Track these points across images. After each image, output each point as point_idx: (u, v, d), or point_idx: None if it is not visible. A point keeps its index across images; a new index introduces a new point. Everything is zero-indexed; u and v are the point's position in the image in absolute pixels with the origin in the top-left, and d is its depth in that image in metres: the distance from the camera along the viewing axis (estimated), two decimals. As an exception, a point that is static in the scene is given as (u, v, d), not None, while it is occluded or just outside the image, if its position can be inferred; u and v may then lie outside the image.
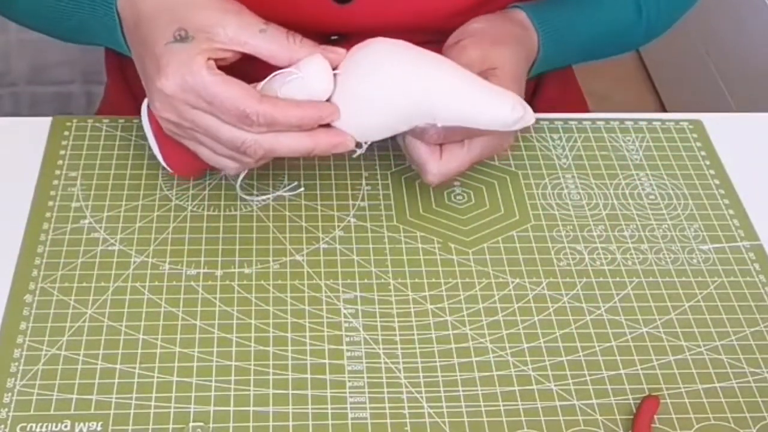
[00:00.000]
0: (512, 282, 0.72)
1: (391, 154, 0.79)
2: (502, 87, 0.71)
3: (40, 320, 0.67)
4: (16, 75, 1.33)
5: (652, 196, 0.79)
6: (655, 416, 0.64)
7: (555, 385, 0.65)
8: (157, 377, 0.64)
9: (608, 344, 0.68)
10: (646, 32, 0.87)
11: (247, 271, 0.71)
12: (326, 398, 0.64)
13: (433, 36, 0.79)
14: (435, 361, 0.66)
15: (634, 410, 0.64)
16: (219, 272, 0.71)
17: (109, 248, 0.72)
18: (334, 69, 0.68)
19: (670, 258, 0.74)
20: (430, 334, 0.68)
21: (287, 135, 0.67)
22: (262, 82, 0.67)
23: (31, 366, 0.64)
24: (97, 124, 0.81)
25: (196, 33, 0.66)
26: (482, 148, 0.72)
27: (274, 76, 0.67)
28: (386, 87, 0.67)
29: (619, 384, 0.66)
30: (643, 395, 0.65)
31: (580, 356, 0.67)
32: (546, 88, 0.94)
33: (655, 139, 0.84)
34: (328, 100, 0.68)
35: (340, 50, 0.68)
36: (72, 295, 0.68)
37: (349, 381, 0.65)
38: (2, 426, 0.61)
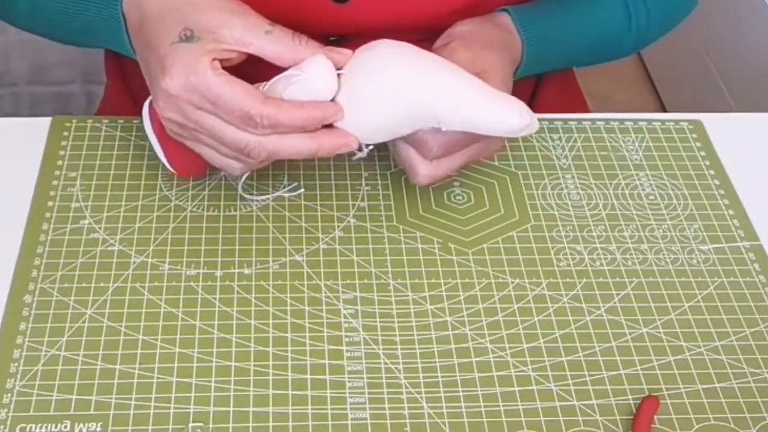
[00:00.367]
0: (512, 282, 0.72)
1: (390, 155, 0.79)
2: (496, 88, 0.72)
3: (39, 321, 0.67)
4: (16, 75, 1.33)
5: (651, 197, 0.79)
6: (655, 416, 0.64)
7: (555, 386, 0.65)
8: (157, 378, 0.64)
9: (608, 344, 0.68)
10: (635, 42, 0.87)
11: (246, 271, 0.71)
12: (326, 399, 0.64)
13: (430, 35, 0.79)
14: (435, 362, 0.66)
15: (634, 410, 0.64)
16: (219, 272, 0.71)
17: (109, 248, 0.72)
18: (339, 69, 0.67)
19: (669, 258, 0.74)
20: (430, 334, 0.68)
21: (291, 137, 0.67)
22: (267, 84, 0.67)
23: (31, 366, 0.64)
24: (97, 125, 0.81)
25: (202, 33, 0.66)
26: (472, 151, 0.72)
27: (278, 78, 0.67)
28: (391, 89, 0.67)
29: (619, 384, 0.66)
30: (643, 395, 0.65)
31: (579, 356, 0.67)
32: (546, 89, 0.94)
33: (655, 140, 0.84)
34: (332, 101, 0.68)
35: (346, 51, 0.68)
36: (71, 296, 0.68)
37: (349, 381, 0.65)
38: (2, 426, 0.61)
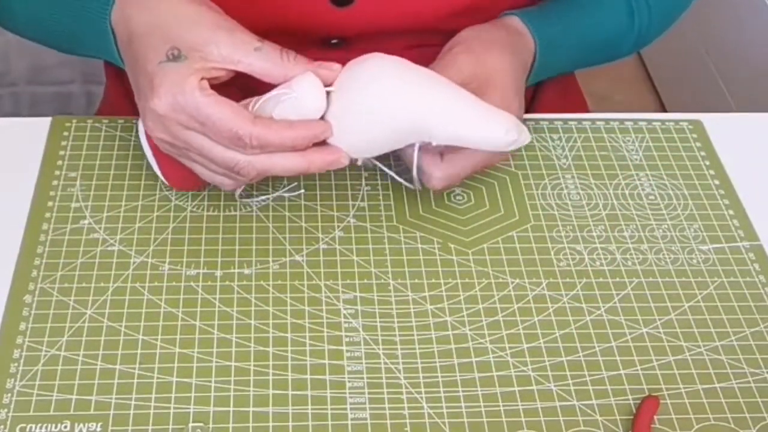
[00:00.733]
0: (512, 282, 0.72)
1: (390, 155, 0.79)
2: (501, 95, 0.71)
3: (39, 321, 0.67)
4: (16, 75, 1.33)
5: (651, 197, 0.79)
6: (655, 416, 0.64)
7: (555, 386, 0.65)
8: (157, 378, 0.64)
9: (608, 344, 0.68)
10: (636, 41, 0.86)
11: (246, 271, 0.71)
12: (326, 399, 0.64)
13: (431, 38, 0.79)
14: (435, 362, 0.66)
15: (634, 410, 0.64)
16: (218, 273, 0.71)
17: (109, 248, 0.72)
18: (329, 85, 0.67)
19: (669, 258, 0.74)
20: (430, 334, 0.68)
21: (281, 156, 0.66)
22: (255, 103, 0.67)
23: (31, 366, 0.64)
24: (97, 125, 0.81)
25: (189, 52, 0.66)
26: (484, 155, 0.71)
27: (267, 98, 0.66)
28: (380, 103, 0.66)
29: (618, 384, 0.66)
30: (643, 395, 0.65)
31: (579, 356, 0.67)
32: (546, 89, 0.94)
33: (655, 140, 0.84)
34: (322, 117, 0.67)
35: (336, 66, 0.67)
36: (71, 296, 0.68)
37: (349, 381, 0.65)
38: (2, 426, 0.61)
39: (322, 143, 0.68)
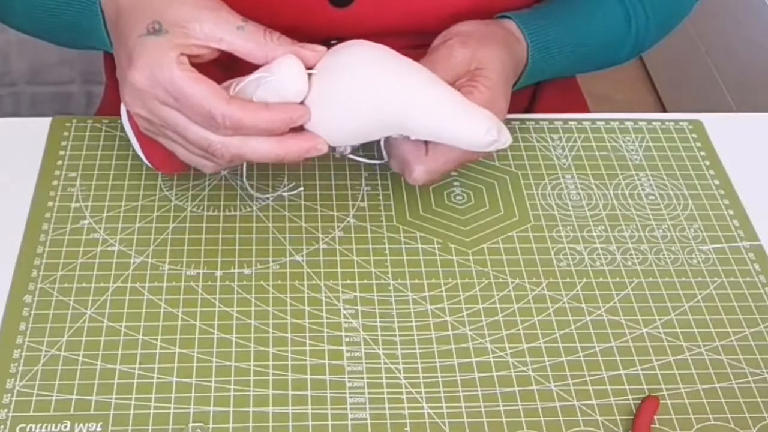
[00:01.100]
0: (512, 282, 0.72)
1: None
2: (490, 88, 0.71)
3: (39, 321, 0.67)
4: (16, 75, 1.33)
5: (651, 197, 0.79)
6: (655, 417, 0.64)
7: (555, 386, 0.65)
8: (157, 378, 0.64)
9: (608, 344, 0.68)
10: (633, 47, 0.86)
11: (246, 271, 0.71)
12: (326, 399, 0.64)
13: (432, 39, 0.79)
14: (435, 362, 0.66)
15: (634, 411, 0.64)
16: (218, 273, 0.71)
17: (109, 248, 0.72)
18: (311, 68, 0.66)
19: (669, 258, 0.74)
20: (430, 334, 0.68)
21: (256, 140, 0.65)
22: (236, 86, 0.66)
23: (31, 366, 0.64)
24: (97, 125, 0.81)
25: (171, 27, 0.65)
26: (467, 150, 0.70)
27: (248, 81, 0.66)
28: (359, 93, 0.65)
29: (618, 384, 0.66)
30: (643, 396, 0.65)
31: (579, 357, 0.67)
32: (546, 89, 0.94)
33: (655, 140, 0.84)
34: (303, 102, 0.66)
35: (320, 48, 0.67)
36: (71, 296, 0.68)
37: (349, 381, 0.65)
38: (2, 427, 0.61)
39: (300, 129, 0.67)
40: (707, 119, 0.86)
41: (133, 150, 0.77)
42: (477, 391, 0.65)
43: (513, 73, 0.77)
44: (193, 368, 0.65)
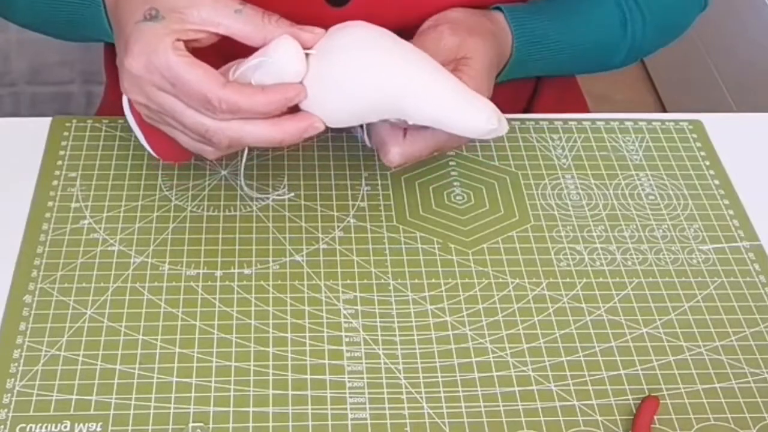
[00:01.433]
0: (512, 282, 0.72)
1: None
2: (474, 78, 0.70)
3: (39, 321, 0.67)
4: (16, 75, 1.33)
5: (651, 197, 0.79)
6: (655, 417, 0.64)
7: (555, 386, 0.65)
8: (157, 378, 0.64)
9: (608, 344, 0.68)
10: (629, 51, 0.86)
11: (246, 271, 0.71)
12: (326, 399, 0.64)
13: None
14: (435, 362, 0.66)
15: (634, 411, 0.64)
16: (218, 273, 0.71)
17: (109, 248, 0.72)
18: (309, 49, 0.65)
19: (669, 258, 0.74)
20: (430, 334, 0.68)
21: (253, 123, 0.65)
22: (235, 71, 0.65)
23: (31, 367, 0.64)
24: (97, 125, 0.81)
25: (168, 13, 0.65)
26: (449, 135, 0.70)
27: (246, 65, 0.65)
28: (355, 74, 0.65)
29: (618, 384, 0.66)
30: (643, 396, 0.65)
31: (579, 357, 0.67)
32: (546, 89, 0.94)
33: (655, 140, 0.84)
34: (301, 83, 0.65)
35: (318, 30, 0.66)
36: (71, 296, 0.68)
37: (349, 381, 0.65)
38: (2, 427, 0.61)
39: (295, 109, 0.66)
40: (707, 119, 0.86)
41: (134, 148, 0.77)
42: (477, 391, 0.65)
43: (497, 65, 0.77)
44: (193, 368, 0.65)
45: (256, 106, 0.64)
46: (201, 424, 0.62)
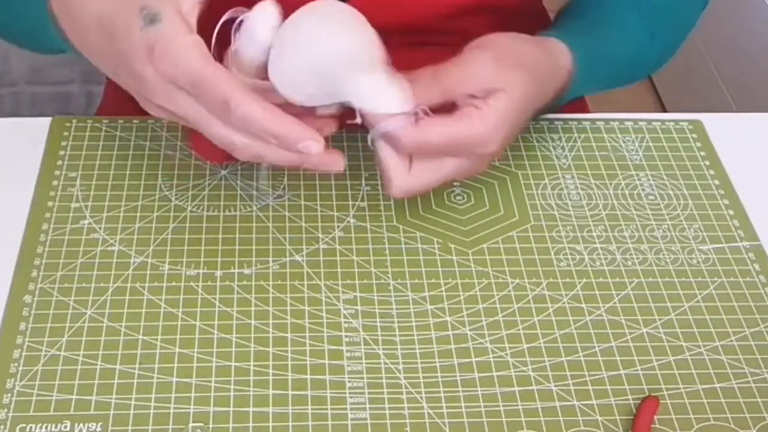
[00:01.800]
0: (512, 282, 0.72)
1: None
2: (488, 119, 0.67)
3: (39, 321, 0.67)
4: (16, 75, 1.33)
5: (651, 197, 0.79)
6: (655, 417, 0.64)
7: (555, 386, 0.65)
8: (157, 378, 0.64)
9: (608, 344, 0.68)
10: (658, 56, 0.85)
11: (246, 271, 0.71)
12: (326, 399, 0.64)
13: (428, 37, 0.79)
14: (435, 362, 0.66)
15: (634, 411, 0.64)
16: (218, 273, 0.71)
17: (109, 248, 0.72)
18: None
19: (669, 258, 0.74)
20: (430, 334, 0.68)
21: (276, 150, 0.62)
22: (231, 48, 0.64)
23: (31, 366, 0.64)
24: (97, 125, 0.81)
25: (161, 7, 0.61)
26: (455, 168, 0.68)
27: (234, 43, 0.63)
28: (303, 49, 0.63)
29: (618, 384, 0.66)
30: (643, 396, 0.65)
31: (579, 357, 0.67)
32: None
33: (655, 140, 0.84)
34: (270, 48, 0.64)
35: None
36: (71, 296, 0.68)
37: (349, 381, 0.65)
38: (2, 427, 0.61)
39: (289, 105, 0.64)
40: (707, 119, 0.86)
41: (134, 148, 0.77)
42: (477, 391, 0.65)
43: (532, 108, 0.72)
44: (193, 368, 0.65)
45: (269, 127, 0.61)
46: (201, 424, 0.62)
